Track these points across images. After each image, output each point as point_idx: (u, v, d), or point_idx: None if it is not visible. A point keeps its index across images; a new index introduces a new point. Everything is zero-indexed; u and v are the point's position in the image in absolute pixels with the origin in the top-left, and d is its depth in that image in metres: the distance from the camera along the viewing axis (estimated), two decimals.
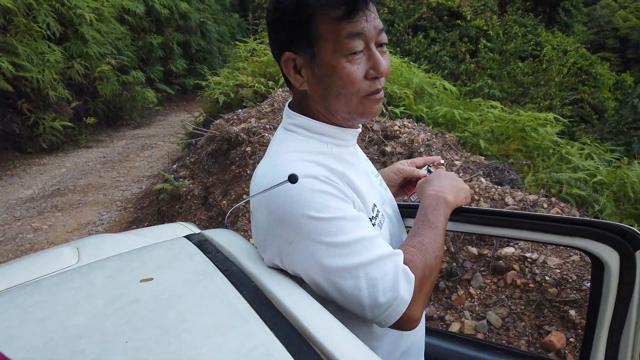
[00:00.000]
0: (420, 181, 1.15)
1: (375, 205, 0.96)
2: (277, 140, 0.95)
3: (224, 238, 1.05)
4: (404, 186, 1.30)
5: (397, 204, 1.17)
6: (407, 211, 1.17)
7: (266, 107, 5.00)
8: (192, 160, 5.10)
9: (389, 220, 1.03)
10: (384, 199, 1.08)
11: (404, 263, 0.83)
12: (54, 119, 7.78)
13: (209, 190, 4.48)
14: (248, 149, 4.27)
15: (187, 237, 1.13)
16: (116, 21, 9.66)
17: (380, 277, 0.79)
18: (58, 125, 7.74)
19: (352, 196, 0.88)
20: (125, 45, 9.88)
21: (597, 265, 1.01)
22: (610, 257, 0.96)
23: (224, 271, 0.87)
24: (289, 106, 0.98)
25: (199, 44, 13.93)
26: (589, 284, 2.24)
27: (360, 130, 1.02)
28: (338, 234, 0.79)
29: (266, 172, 0.86)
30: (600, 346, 1.05)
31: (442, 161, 1.26)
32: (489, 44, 13.69)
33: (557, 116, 6.30)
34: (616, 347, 1.04)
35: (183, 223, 1.85)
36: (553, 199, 3.05)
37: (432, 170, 1.23)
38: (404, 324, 0.83)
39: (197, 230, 1.68)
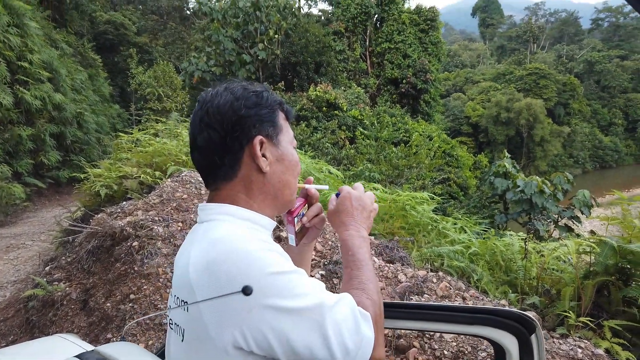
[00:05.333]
0: (330, 212, 1.18)
1: None
2: (214, 228, 0.93)
3: (125, 354, 0.95)
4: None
5: None
6: None
7: (154, 198, 4.80)
8: (69, 259, 4.62)
9: None
10: None
11: None
12: None
13: (90, 292, 4.06)
14: (135, 243, 4.02)
15: (79, 357, 0.99)
16: None
17: (343, 321, 0.82)
18: None
19: None
20: None
21: (499, 352, 1.05)
22: (510, 343, 1.02)
23: None
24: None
25: (75, 135, 13.22)
26: (483, 354, 2.38)
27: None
28: (298, 287, 0.82)
29: (225, 258, 0.83)
30: None
31: (311, 178, 1.26)
32: (365, 132, 14.91)
33: (430, 194, 6.92)
34: None
35: (62, 335, 1.63)
36: (440, 274, 3.27)
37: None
38: None
39: (81, 343, 1.50)
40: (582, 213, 8.13)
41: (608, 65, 55.46)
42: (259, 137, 0.98)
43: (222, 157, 0.97)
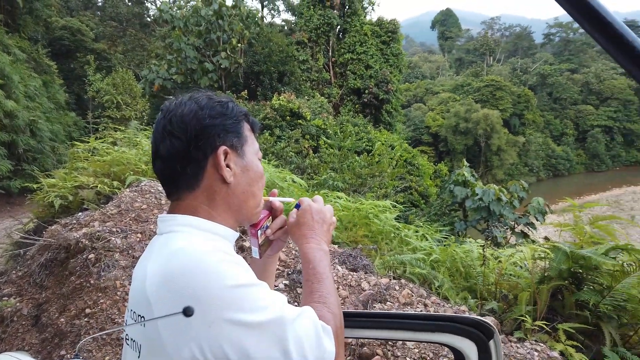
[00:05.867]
0: (290, 224, 1.18)
1: None
2: (173, 240, 0.90)
3: None
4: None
5: None
6: None
7: (112, 208, 4.66)
8: (20, 273, 4.41)
9: None
10: None
11: None
12: None
13: (42, 307, 3.88)
14: (91, 256, 3.87)
15: None
16: None
17: (304, 336, 0.81)
18: None
19: None
20: None
21: (459, 359, 1.07)
22: (469, 349, 1.04)
23: None
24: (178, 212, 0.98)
25: (28, 144, 12.71)
26: None
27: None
28: (259, 300, 0.81)
29: (185, 267, 0.81)
30: None
31: (276, 191, 1.27)
32: (328, 141, 14.99)
33: (393, 203, 7.00)
34: None
35: (12, 353, 1.55)
36: (403, 281, 3.31)
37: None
38: None
39: None
40: (537, 220, 8.47)
41: (559, 78, 58.08)
42: (223, 148, 0.96)
43: (185, 167, 0.95)
